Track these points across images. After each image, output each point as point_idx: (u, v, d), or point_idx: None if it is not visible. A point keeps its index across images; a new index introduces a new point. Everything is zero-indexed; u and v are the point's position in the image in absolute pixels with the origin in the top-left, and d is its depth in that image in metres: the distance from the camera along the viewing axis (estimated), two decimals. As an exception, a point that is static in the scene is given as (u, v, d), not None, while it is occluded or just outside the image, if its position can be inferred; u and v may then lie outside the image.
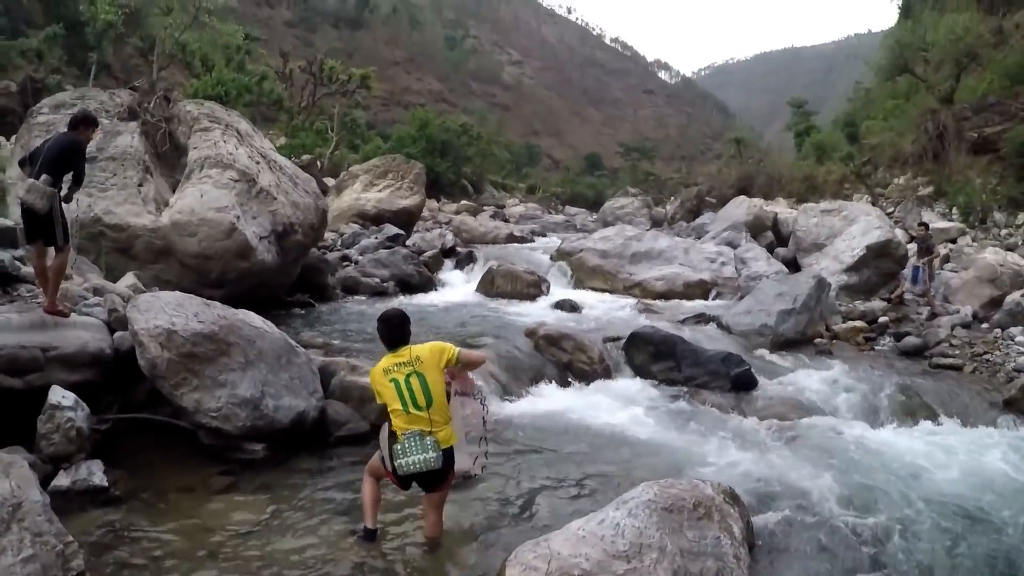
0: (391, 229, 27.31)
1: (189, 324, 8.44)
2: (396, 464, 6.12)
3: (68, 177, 8.79)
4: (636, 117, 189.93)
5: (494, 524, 7.06)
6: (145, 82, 22.16)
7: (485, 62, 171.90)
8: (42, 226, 8.63)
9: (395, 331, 6.56)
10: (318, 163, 43.19)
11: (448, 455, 6.24)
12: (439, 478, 6.28)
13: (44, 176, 8.43)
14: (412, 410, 6.16)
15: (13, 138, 17.43)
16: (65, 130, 9.32)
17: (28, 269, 11.50)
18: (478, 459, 7.01)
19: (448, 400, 6.43)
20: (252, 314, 9.45)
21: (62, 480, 7.26)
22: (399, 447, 6.11)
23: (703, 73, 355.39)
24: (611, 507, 5.94)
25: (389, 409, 6.27)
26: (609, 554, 5.48)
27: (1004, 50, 36.25)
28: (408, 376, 6.23)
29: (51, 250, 8.76)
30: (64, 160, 8.64)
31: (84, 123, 9.23)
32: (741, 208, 29.94)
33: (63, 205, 8.74)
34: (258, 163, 15.89)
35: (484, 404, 7.20)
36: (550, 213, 60.21)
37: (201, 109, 16.73)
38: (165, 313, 8.48)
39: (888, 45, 40.74)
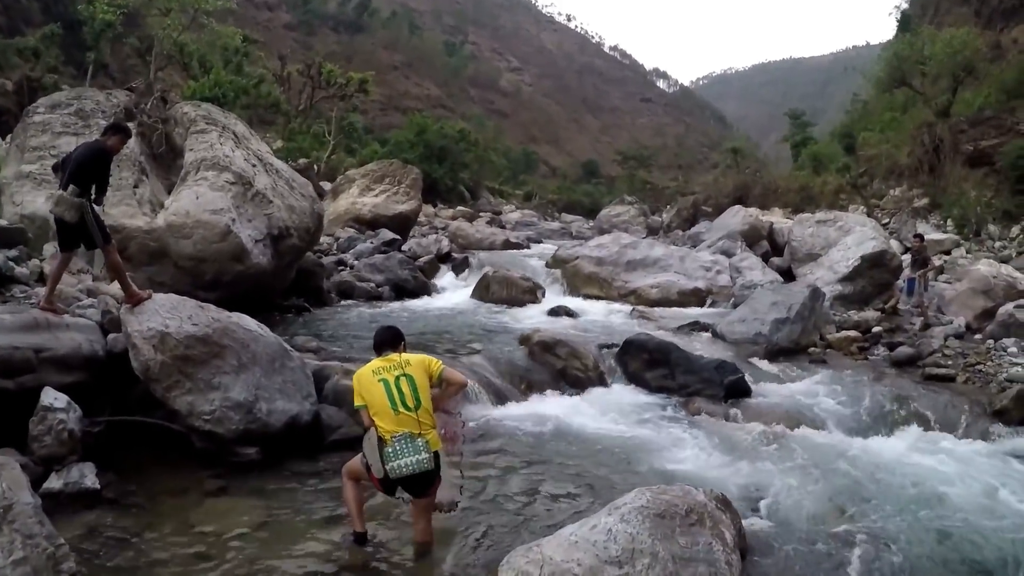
0: (387, 234, 27.42)
1: (183, 327, 8.43)
2: (388, 468, 6.07)
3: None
4: (634, 125, 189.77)
5: (486, 529, 7.04)
6: (142, 83, 22.09)
7: (484, 68, 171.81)
8: (76, 234, 8.70)
9: (387, 339, 6.65)
10: (315, 167, 43.26)
11: (438, 458, 6.23)
12: (429, 481, 6.25)
13: (71, 187, 8.44)
14: (402, 410, 6.15)
15: (8, 137, 17.41)
16: (96, 137, 9.34)
17: (21, 270, 11.55)
18: (457, 488, 7.00)
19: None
20: (246, 317, 9.43)
21: (54, 482, 7.22)
22: (390, 450, 6.07)
23: (701, 82, 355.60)
24: (603, 513, 5.94)
25: (373, 412, 6.24)
26: (601, 560, 5.48)
27: (1001, 65, 36.43)
28: (398, 377, 6.25)
29: (95, 254, 8.83)
30: (90, 168, 8.65)
31: (114, 131, 9.26)
32: (737, 217, 30.03)
33: (94, 208, 8.72)
34: (254, 166, 15.86)
35: (463, 424, 7.21)
36: (546, 220, 60.29)
37: (198, 111, 16.69)
38: (159, 315, 8.47)
39: (886, 58, 40.98)
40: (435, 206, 50.39)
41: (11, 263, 11.52)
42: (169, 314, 8.54)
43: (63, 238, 8.84)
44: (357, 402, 6.44)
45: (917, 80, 37.20)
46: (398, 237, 27.68)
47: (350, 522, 6.61)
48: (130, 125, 12.85)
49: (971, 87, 36.70)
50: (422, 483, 6.24)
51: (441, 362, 6.54)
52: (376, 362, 6.44)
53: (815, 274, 21.08)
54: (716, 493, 6.58)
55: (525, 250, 32.08)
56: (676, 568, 5.55)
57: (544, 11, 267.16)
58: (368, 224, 30.03)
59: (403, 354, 6.51)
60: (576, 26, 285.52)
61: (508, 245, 33.00)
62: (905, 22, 58.80)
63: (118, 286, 9.14)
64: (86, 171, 8.60)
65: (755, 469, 8.84)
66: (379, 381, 6.27)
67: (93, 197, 8.71)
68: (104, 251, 8.90)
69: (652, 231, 43.22)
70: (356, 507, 6.56)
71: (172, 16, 45.62)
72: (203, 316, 8.77)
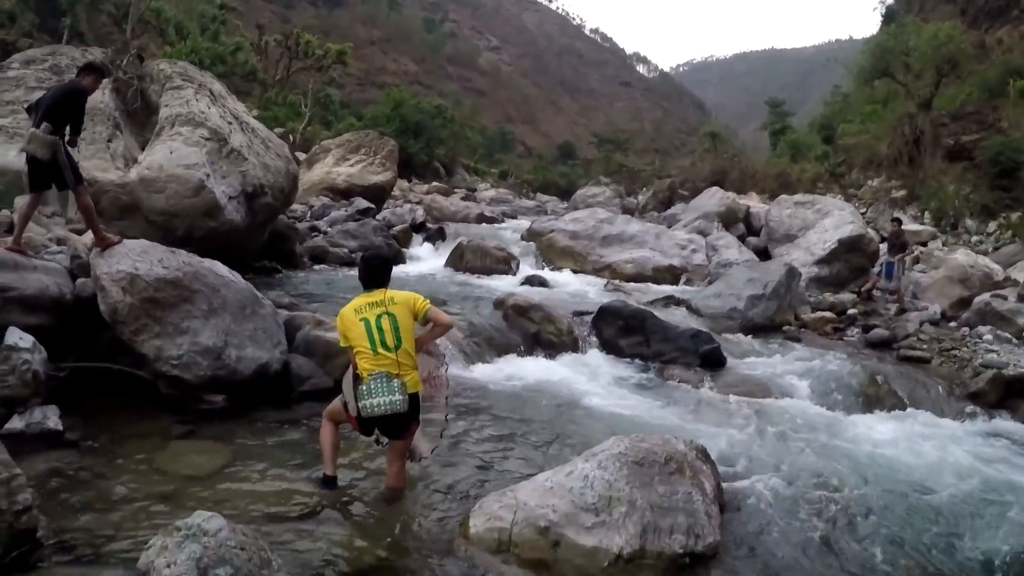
0: (361, 203, 27.33)
1: (153, 269, 8.25)
2: (361, 406, 5.94)
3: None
4: (612, 109, 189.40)
5: (459, 478, 6.93)
6: (120, 40, 21.86)
7: (462, 46, 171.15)
8: (48, 173, 8.56)
9: (374, 272, 6.45)
10: (290, 137, 42.89)
11: (414, 400, 6.08)
12: (403, 424, 6.11)
13: (44, 125, 8.30)
14: (380, 350, 6.00)
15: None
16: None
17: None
18: (437, 438, 6.88)
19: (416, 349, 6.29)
20: (218, 263, 9.25)
21: (15, 423, 7.05)
22: (364, 388, 5.93)
23: (682, 69, 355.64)
24: (580, 459, 5.86)
25: (354, 351, 6.11)
26: (577, 506, 5.40)
27: (985, 64, 36.52)
28: (380, 316, 6.09)
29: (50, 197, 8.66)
30: (64, 108, 8.51)
31: (89, 71, 9.12)
32: (714, 199, 30.07)
33: (68, 149, 8.58)
34: (230, 123, 15.65)
35: (445, 366, 7.04)
36: (521, 199, 60.07)
37: (174, 68, 16.48)
38: (129, 258, 8.29)
39: (870, 48, 40.91)
40: (410, 181, 50.24)
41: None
42: (139, 257, 8.36)
43: (34, 178, 8.66)
44: (342, 342, 6.34)
45: (900, 72, 37.21)
46: (372, 206, 27.53)
47: (322, 463, 6.47)
48: (105, 80, 12.67)
49: (954, 84, 36.84)
50: (395, 425, 6.10)
51: (428, 301, 6.34)
52: (360, 299, 6.28)
53: (792, 255, 21.10)
54: (696, 444, 6.50)
55: (499, 224, 31.99)
56: (654, 517, 5.47)
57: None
58: (342, 194, 29.89)
59: (388, 291, 6.31)
60: (557, 7, 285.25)
61: (483, 219, 32.91)
62: (890, 17, 58.81)
63: (75, 236, 8.97)
64: (60, 110, 8.46)
65: (731, 433, 8.77)
66: (360, 320, 6.13)
67: (68, 138, 8.58)
68: (75, 192, 8.75)
69: (627, 212, 43.10)
70: (330, 449, 6.42)
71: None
72: (174, 260, 8.60)
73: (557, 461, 6.56)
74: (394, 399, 5.89)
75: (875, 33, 53.06)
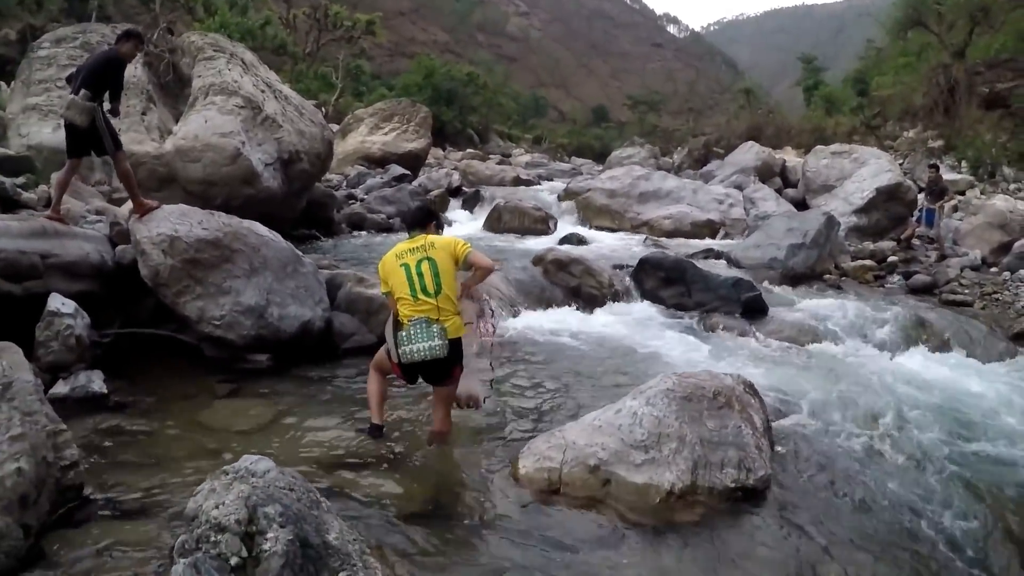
0: (397, 169, 27.41)
1: (193, 231, 8.28)
2: (400, 351, 5.94)
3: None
4: (644, 71, 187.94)
5: (505, 422, 6.95)
6: (148, 20, 21.96)
7: (491, 13, 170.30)
8: (87, 140, 8.59)
9: (418, 214, 6.61)
10: (323, 109, 42.81)
11: (455, 345, 6.06)
12: (445, 369, 6.10)
13: (83, 92, 8.33)
14: (420, 295, 5.99)
15: (12, 84, 17.31)
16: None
17: (29, 195, 11.43)
18: (488, 384, 6.87)
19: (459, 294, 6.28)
20: (257, 224, 9.28)
21: (60, 388, 7.13)
22: (404, 334, 5.93)
23: (712, 28, 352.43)
24: (628, 397, 5.82)
25: (396, 297, 6.10)
26: (627, 444, 5.37)
27: (1018, 13, 35.90)
28: (420, 261, 6.06)
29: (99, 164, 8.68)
30: (102, 74, 8.53)
31: (127, 37, 9.13)
32: (750, 153, 29.77)
33: (107, 116, 8.60)
34: (263, 91, 15.65)
35: (491, 312, 6.99)
36: (556, 162, 59.80)
37: (205, 39, 16.51)
38: (169, 221, 8.33)
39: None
40: (444, 149, 50.14)
41: (19, 188, 11.40)
42: (179, 220, 8.40)
43: (72, 144, 8.70)
44: (383, 289, 6.35)
45: (933, 22, 36.68)
46: (408, 172, 27.55)
47: (370, 412, 6.48)
48: (137, 54, 12.74)
49: (987, 33, 36.21)
50: (437, 370, 6.09)
51: (469, 244, 6.29)
52: (401, 245, 6.27)
53: (830, 205, 20.87)
54: (743, 378, 6.44)
55: (536, 186, 31.84)
56: (704, 452, 5.43)
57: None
58: (377, 163, 29.88)
59: (429, 236, 6.28)
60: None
61: (519, 182, 32.70)
62: (922, -32, 57.95)
63: (114, 207, 9.00)
64: (98, 76, 8.48)
65: (776, 375, 8.74)
66: (401, 266, 6.11)
67: (108, 107, 8.61)
68: (114, 158, 8.79)
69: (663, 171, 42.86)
70: (377, 398, 6.43)
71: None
72: (213, 221, 8.62)
73: (603, 403, 6.51)
74: (434, 344, 5.86)
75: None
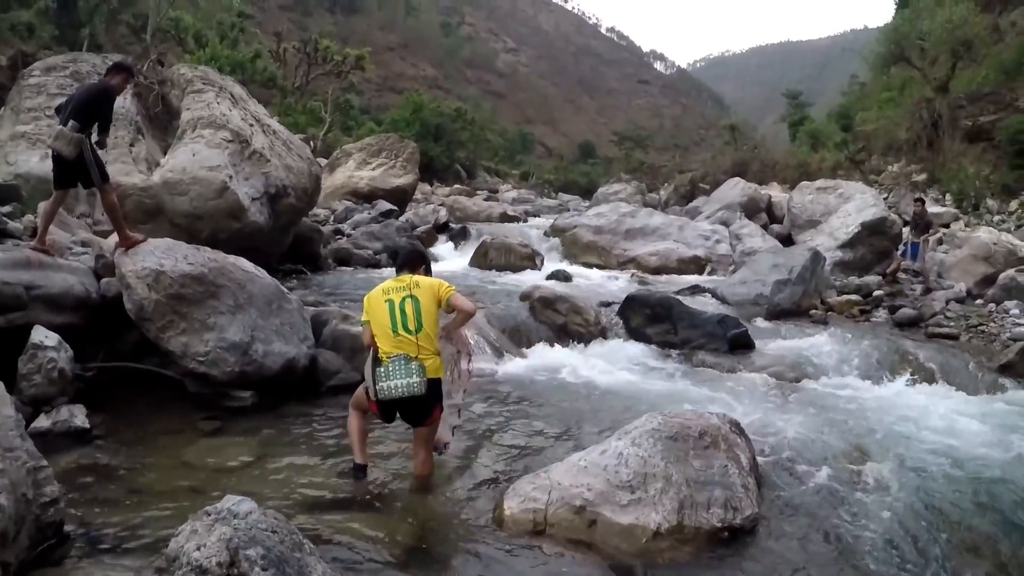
0: (384, 205, 27.47)
1: (178, 265, 8.25)
2: (378, 388, 5.92)
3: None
4: (631, 107, 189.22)
5: (490, 464, 6.90)
6: (139, 50, 21.99)
7: (480, 49, 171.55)
8: (74, 171, 8.59)
9: (405, 256, 6.61)
10: (311, 143, 42.91)
11: (434, 385, 6.05)
12: (424, 409, 6.08)
13: (71, 123, 8.33)
14: (401, 332, 6.00)
15: (1, 111, 17.32)
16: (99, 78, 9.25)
17: (15, 225, 11.38)
18: (455, 422, 6.84)
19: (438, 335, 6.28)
20: (243, 259, 9.26)
21: (42, 422, 7.09)
22: (383, 370, 5.93)
23: (698, 65, 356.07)
24: (614, 437, 5.81)
25: (376, 334, 6.11)
26: (612, 484, 5.34)
27: (1000, 47, 36.34)
28: (404, 299, 6.08)
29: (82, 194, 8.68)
30: (91, 106, 8.55)
31: (117, 70, 9.20)
32: (735, 189, 29.91)
33: (93, 146, 8.61)
34: (252, 125, 15.64)
35: (468, 358, 6.95)
36: (543, 198, 59.96)
37: (195, 72, 16.51)
38: (154, 255, 8.29)
39: (885, 35, 40.80)
40: (431, 184, 50.34)
41: (4, 218, 11.35)
42: (164, 254, 8.36)
43: (59, 175, 8.71)
44: (363, 317, 6.33)
45: (916, 57, 37.05)
46: (395, 208, 27.62)
47: (352, 452, 6.44)
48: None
49: (970, 67, 36.68)
50: (416, 409, 6.08)
51: (452, 287, 6.30)
52: (388, 282, 6.29)
53: (815, 241, 20.93)
54: (729, 417, 6.44)
55: (522, 223, 31.90)
56: (691, 492, 5.41)
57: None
58: (365, 198, 29.94)
59: (415, 276, 6.31)
60: (573, 7, 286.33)
61: (505, 218, 32.93)
62: (903, 4, 58.40)
63: (99, 238, 9.00)
64: (88, 108, 8.50)
65: (763, 411, 8.71)
66: (385, 301, 6.14)
67: (96, 139, 8.63)
68: (101, 190, 8.79)
69: (649, 208, 42.98)
70: (358, 437, 6.39)
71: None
72: (199, 256, 8.59)
73: (589, 443, 6.49)
74: (412, 381, 5.84)
75: (890, 20, 52.82)
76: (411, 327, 6.01)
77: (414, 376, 5.85)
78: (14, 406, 5.11)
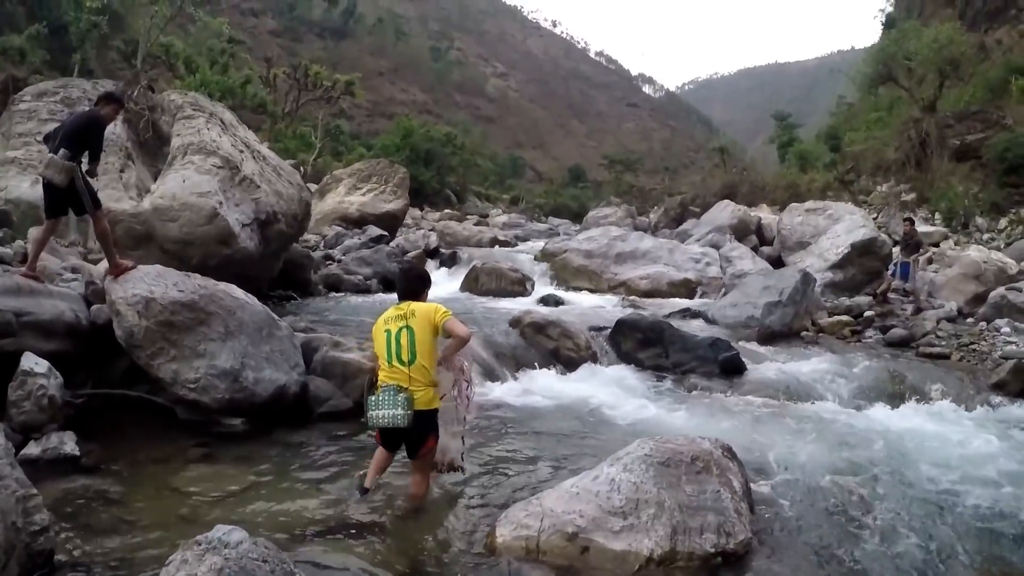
0: (374, 230, 27.50)
1: (168, 292, 8.25)
2: (369, 415, 6.00)
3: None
4: (620, 130, 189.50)
5: (483, 490, 6.87)
6: (129, 75, 22.02)
7: (470, 74, 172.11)
8: (66, 199, 8.65)
9: (405, 282, 6.61)
10: (302, 169, 42.97)
11: (423, 417, 6.05)
12: (416, 440, 6.13)
13: (62, 151, 8.37)
14: (395, 363, 6.06)
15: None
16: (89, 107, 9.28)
17: (5, 250, 11.38)
18: (463, 450, 6.80)
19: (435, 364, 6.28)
20: (233, 286, 9.25)
21: (32, 449, 7.06)
22: (373, 399, 6.00)
23: (687, 87, 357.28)
24: (605, 463, 5.78)
25: (378, 360, 6.21)
26: (604, 510, 5.32)
27: (986, 66, 36.55)
28: (400, 329, 6.13)
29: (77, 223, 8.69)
30: (82, 135, 8.60)
31: (108, 100, 9.30)
32: (725, 212, 29.96)
33: (84, 174, 8.65)
34: (242, 152, 15.66)
35: (467, 383, 6.91)
36: (534, 223, 60.07)
37: (185, 98, 16.54)
38: (144, 282, 8.31)
39: (872, 55, 41.00)
40: (422, 209, 50.38)
41: (-9, 246, 11.36)
42: (154, 281, 8.37)
43: (50, 203, 8.76)
44: (374, 348, 6.38)
45: (903, 77, 37.19)
46: (385, 234, 27.66)
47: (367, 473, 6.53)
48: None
49: (957, 86, 36.85)
50: (405, 439, 6.17)
51: (448, 312, 6.30)
52: (391, 311, 6.35)
53: (805, 262, 20.97)
54: (721, 442, 6.41)
55: (513, 247, 31.95)
56: (683, 517, 5.39)
57: (530, 17, 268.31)
58: (355, 223, 29.98)
59: (412, 304, 6.31)
60: (562, 32, 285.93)
61: (496, 242, 33.02)
62: (890, 25, 58.80)
63: (89, 265, 9.01)
64: (79, 137, 8.55)
65: (755, 435, 8.72)
66: (383, 332, 6.21)
67: (86, 168, 8.67)
68: (93, 217, 8.84)
69: (639, 231, 43.03)
70: (375, 464, 6.47)
71: (160, 4, 44.85)
72: (189, 283, 8.60)
73: (581, 469, 6.47)
74: (396, 413, 5.89)
75: (876, 41, 53.13)
76: (404, 358, 6.05)
77: (399, 408, 5.89)
78: (3, 433, 5.09)
